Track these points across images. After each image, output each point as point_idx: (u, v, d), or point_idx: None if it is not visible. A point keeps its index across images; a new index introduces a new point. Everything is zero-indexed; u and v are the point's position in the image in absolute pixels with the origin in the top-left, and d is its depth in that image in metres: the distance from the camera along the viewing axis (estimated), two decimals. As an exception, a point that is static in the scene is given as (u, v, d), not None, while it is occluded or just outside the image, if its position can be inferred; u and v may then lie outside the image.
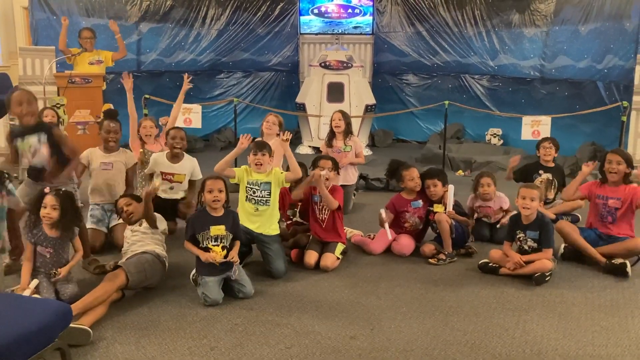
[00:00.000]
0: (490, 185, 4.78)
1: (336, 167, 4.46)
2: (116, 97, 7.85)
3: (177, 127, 5.05)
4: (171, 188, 4.86)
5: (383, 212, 4.50)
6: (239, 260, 3.69)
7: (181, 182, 4.88)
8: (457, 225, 4.43)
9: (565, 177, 5.48)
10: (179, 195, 4.89)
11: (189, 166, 4.93)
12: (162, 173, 4.83)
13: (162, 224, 3.99)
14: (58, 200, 3.52)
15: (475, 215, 4.89)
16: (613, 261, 4.08)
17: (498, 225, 4.74)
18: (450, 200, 4.41)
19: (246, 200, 4.09)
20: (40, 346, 2.39)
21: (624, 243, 4.17)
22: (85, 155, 4.71)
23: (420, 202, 4.54)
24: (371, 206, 5.69)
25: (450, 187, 4.47)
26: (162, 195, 4.81)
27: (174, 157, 4.87)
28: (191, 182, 4.95)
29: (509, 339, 3.16)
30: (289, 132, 4.16)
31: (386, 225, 4.46)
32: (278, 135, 5.53)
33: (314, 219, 4.34)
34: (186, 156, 4.95)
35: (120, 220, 4.39)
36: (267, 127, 5.58)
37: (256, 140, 4.23)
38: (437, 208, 4.46)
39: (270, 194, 4.06)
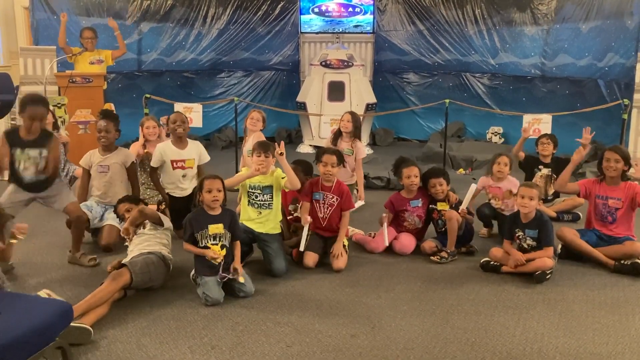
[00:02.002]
0: (507, 165, 4.81)
1: (341, 160, 4.38)
2: (117, 97, 7.88)
3: (177, 112, 5.05)
4: (184, 176, 4.82)
5: (385, 215, 4.51)
6: (241, 270, 3.68)
7: (192, 168, 4.84)
8: (466, 222, 4.44)
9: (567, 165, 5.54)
10: (190, 189, 4.81)
11: (196, 150, 4.90)
12: (172, 162, 4.78)
13: (166, 222, 3.99)
14: None
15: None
16: (622, 262, 4.09)
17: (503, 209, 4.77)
18: (468, 198, 4.41)
19: (248, 204, 4.09)
20: (41, 345, 2.40)
21: (623, 248, 4.16)
22: (86, 159, 4.72)
23: (420, 200, 4.54)
24: (372, 205, 5.69)
25: (473, 186, 4.48)
26: (173, 193, 4.82)
27: (180, 143, 4.82)
28: (199, 168, 4.91)
29: (510, 337, 3.16)
30: (282, 143, 4.07)
31: (385, 227, 4.46)
32: (261, 130, 5.57)
33: (314, 217, 4.33)
34: (190, 141, 4.92)
35: (110, 222, 4.43)
36: (252, 124, 5.58)
37: (260, 141, 4.19)
38: (442, 206, 4.46)
39: (272, 197, 4.06)
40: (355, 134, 5.57)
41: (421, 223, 4.59)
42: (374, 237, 4.61)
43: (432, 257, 4.32)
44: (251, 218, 4.08)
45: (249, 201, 4.09)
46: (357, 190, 5.57)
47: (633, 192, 4.21)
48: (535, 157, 5.58)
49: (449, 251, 4.32)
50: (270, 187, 4.05)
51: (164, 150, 4.80)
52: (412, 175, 4.49)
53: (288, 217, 4.68)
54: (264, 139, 5.29)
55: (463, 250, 4.47)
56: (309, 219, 4.19)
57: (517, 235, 4.11)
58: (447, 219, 4.34)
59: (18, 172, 3.98)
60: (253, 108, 5.94)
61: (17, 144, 3.95)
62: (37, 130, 3.91)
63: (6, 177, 4.04)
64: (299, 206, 4.56)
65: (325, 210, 4.29)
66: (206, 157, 4.96)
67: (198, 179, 4.84)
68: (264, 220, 4.08)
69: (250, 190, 4.07)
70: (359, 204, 5.43)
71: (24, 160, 3.96)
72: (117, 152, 4.71)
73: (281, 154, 3.98)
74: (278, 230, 4.17)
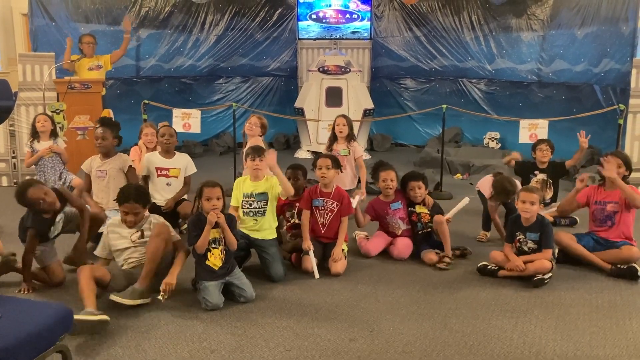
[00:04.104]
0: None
1: (336, 165, 4.40)
2: (115, 103, 7.90)
3: (167, 125, 5.15)
4: (168, 184, 4.90)
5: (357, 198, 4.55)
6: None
7: (177, 177, 4.94)
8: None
9: (568, 173, 5.63)
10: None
11: (183, 161, 5.02)
12: (157, 169, 4.89)
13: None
14: None
15: None
16: (619, 265, 4.11)
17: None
18: (457, 209, 4.45)
19: (244, 215, 4.09)
20: (42, 349, 2.41)
21: (620, 253, 4.18)
22: (87, 164, 4.79)
23: (400, 202, 4.56)
24: (370, 210, 5.71)
25: (465, 200, 4.51)
26: (159, 202, 4.85)
27: (167, 154, 4.97)
28: (186, 179, 5.01)
29: (508, 340, 3.18)
30: (273, 151, 4.11)
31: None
32: (261, 136, 5.57)
33: (314, 223, 4.33)
34: (177, 153, 5.05)
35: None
36: (249, 129, 5.62)
37: (253, 146, 4.23)
38: (420, 209, 4.50)
39: (267, 204, 4.07)
40: (350, 137, 5.63)
41: (405, 225, 4.58)
42: (367, 240, 4.64)
43: (438, 265, 4.24)
44: (247, 227, 4.08)
45: (243, 212, 4.09)
46: (360, 188, 5.59)
47: None
48: (531, 163, 5.60)
49: (450, 255, 4.30)
50: (265, 194, 4.06)
51: (150, 158, 4.95)
52: (388, 179, 4.52)
53: (286, 224, 4.69)
54: (262, 144, 5.31)
55: (457, 253, 4.49)
56: (310, 246, 4.15)
57: (518, 238, 4.13)
58: (438, 223, 4.33)
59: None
60: (253, 113, 5.96)
61: (43, 229, 3.87)
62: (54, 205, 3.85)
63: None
64: (295, 212, 4.57)
65: (326, 216, 4.30)
66: (192, 169, 5.07)
67: (183, 188, 4.95)
68: (259, 227, 4.08)
69: (244, 199, 4.07)
70: (355, 200, 5.43)
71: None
72: (115, 158, 4.76)
73: (272, 159, 4.03)
74: (274, 235, 4.17)
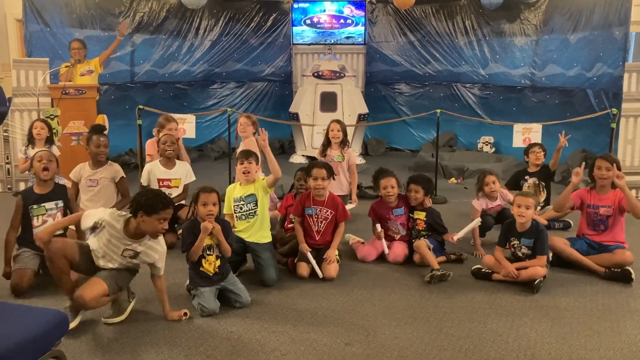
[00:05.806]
0: (495, 183, 4.85)
1: (330, 173, 4.43)
2: (110, 108, 7.88)
3: (168, 134, 5.13)
4: (170, 195, 4.88)
5: (378, 226, 4.52)
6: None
7: (178, 187, 4.97)
8: (434, 242, 4.44)
9: (554, 175, 5.68)
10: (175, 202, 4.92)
11: (183, 170, 5.05)
12: (159, 180, 4.90)
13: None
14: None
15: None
16: (613, 269, 4.13)
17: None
18: (467, 230, 4.46)
19: (237, 219, 4.12)
20: (37, 354, 2.41)
21: (614, 257, 4.21)
22: (76, 172, 4.78)
23: (402, 209, 4.58)
24: (365, 215, 5.71)
25: (477, 221, 4.53)
26: None
27: (167, 163, 4.97)
28: (185, 186, 5.04)
29: (503, 343, 3.19)
30: (264, 130, 4.16)
31: (383, 240, 4.49)
32: (254, 134, 5.58)
33: (309, 229, 4.33)
34: (177, 162, 5.06)
35: None
36: (242, 130, 5.64)
37: (242, 150, 4.26)
38: (418, 215, 4.52)
39: (257, 205, 4.08)
40: (344, 142, 5.65)
41: (405, 230, 4.60)
42: (364, 245, 4.64)
43: (425, 280, 4.09)
44: (241, 230, 4.10)
45: (236, 216, 4.13)
46: (351, 194, 5.62)
47: (620, 198, 4.26)
48: (522, 170, 5.65)
49: (436, 268, 4.12)
50: (253, 195, 4.08)
51: (152, 169, 4.96)
52: (388, 186, 4.53)
53: (288, 226, 4.70)
54: (256, 145, 5.33)
55: (452, 258, 4.50)
56: (307, 248, 4.19)
57: (512, 243, 4.15)
58: (416, 247, 4.36)
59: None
60: (240, 115, 5.95)
61: (34, 201, 3.92)
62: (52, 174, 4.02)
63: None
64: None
65: (320, 224, 4.31)
66: (192, 177, 5.11)
67: (182, 194, 4.96)
68: (252, 229, 4.09)
69: (235, 204, 4.10)
70: (350, 206, 5.46)
71: (39, 215, 3.96)
72: (107, 167, 4.75)
73: (264, 140, 4.08)
74: (268, 239, 4.18)
